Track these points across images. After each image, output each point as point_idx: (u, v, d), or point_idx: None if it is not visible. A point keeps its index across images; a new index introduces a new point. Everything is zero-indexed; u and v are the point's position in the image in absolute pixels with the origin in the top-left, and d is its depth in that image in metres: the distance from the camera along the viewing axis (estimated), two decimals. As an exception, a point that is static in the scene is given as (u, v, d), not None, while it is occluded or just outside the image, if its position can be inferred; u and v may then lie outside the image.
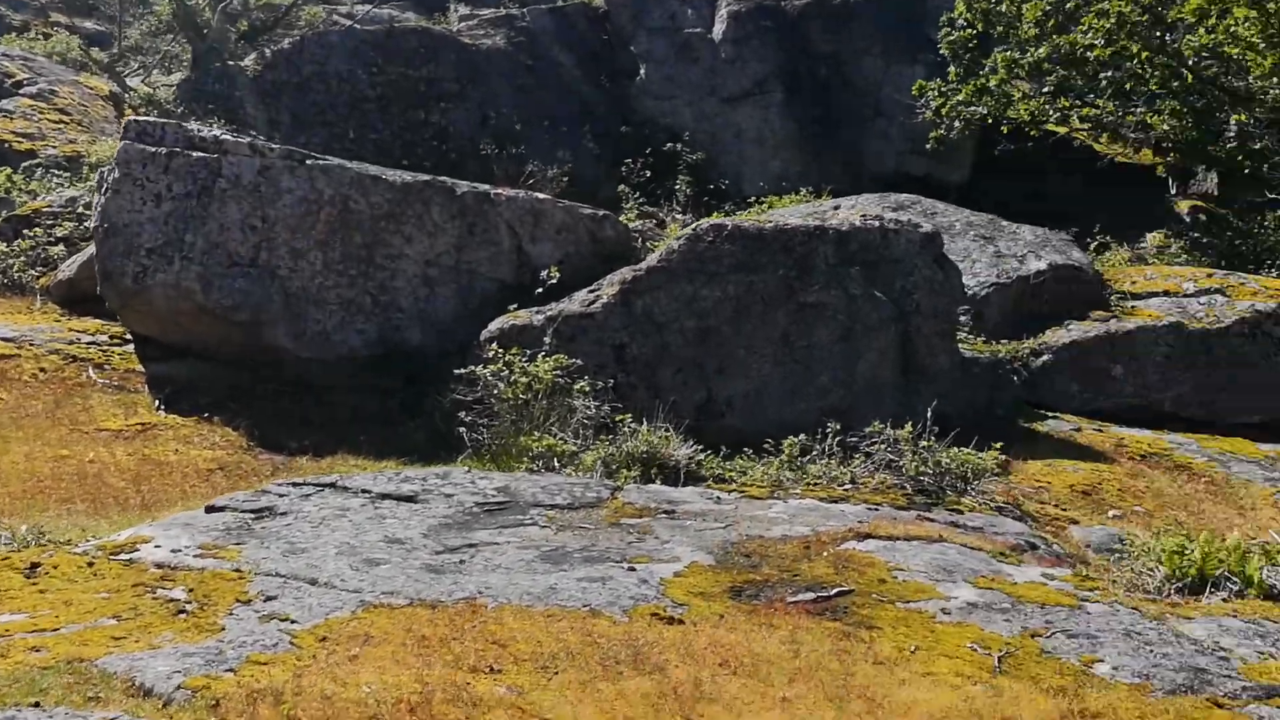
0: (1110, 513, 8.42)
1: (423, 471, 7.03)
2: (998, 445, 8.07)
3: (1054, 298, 11.99)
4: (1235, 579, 5.71)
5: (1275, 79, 14.75)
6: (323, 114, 18.89)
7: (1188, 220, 19.30)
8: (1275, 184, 15.62)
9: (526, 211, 10.65)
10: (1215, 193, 20.24)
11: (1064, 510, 8.28)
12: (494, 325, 9.55)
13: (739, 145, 20.44)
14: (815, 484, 7.60)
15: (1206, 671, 4.59)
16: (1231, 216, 18.20)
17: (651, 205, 18.51)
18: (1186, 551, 5.92)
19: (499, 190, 10.79)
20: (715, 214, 16.70)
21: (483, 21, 20.71)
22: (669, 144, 19.84)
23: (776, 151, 20.32)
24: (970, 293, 11.84)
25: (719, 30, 20.56)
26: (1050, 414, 10.86)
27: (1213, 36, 14.09)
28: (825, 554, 5.90)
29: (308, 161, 10.06)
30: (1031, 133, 18.48)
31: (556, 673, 4.17)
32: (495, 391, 8.78)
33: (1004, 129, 18.44)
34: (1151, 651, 4.78)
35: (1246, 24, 12.50)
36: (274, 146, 10.30)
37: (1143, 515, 8.40)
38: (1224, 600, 5.57)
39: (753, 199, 17.99)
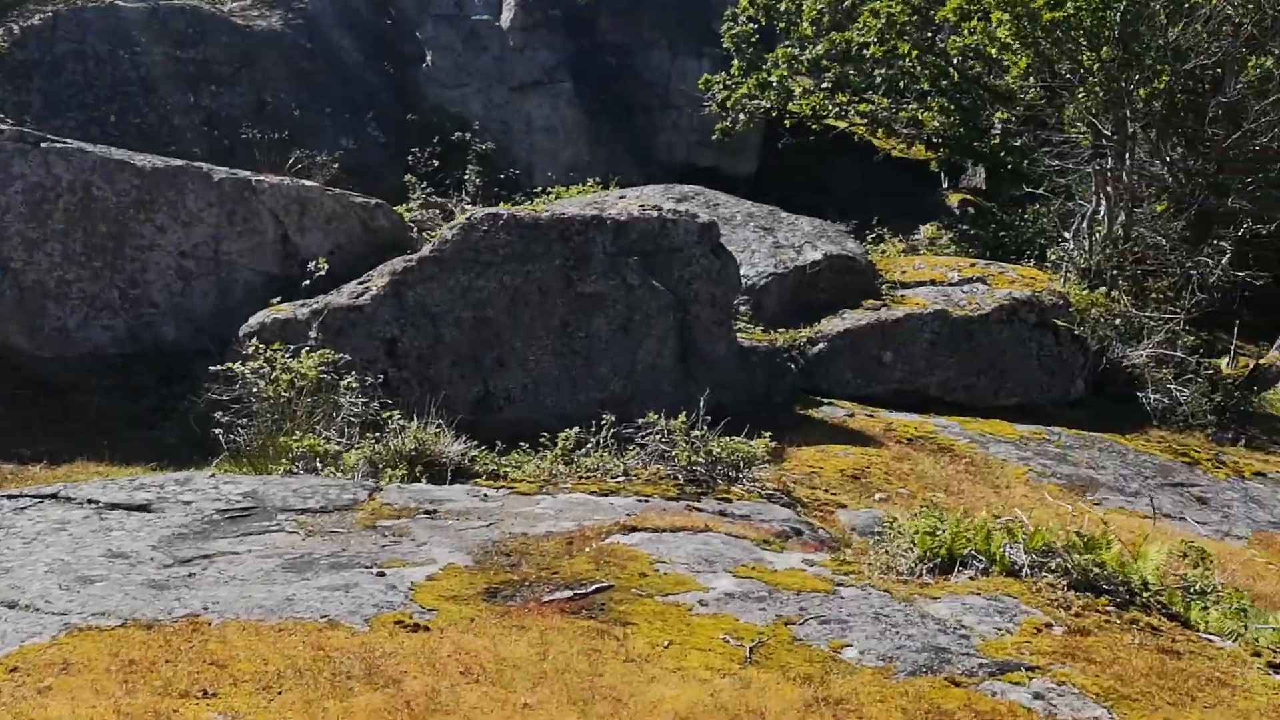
0: (877, 495, 8.65)
1: (160, 478, 6.52)
2: (766, 434, 8.13)
3: (830, 287, 12.31)
4: (981, 557, 5.88)
5: (1031, 79, 15.58)
6: (80, 96, 17.61)
7: (957, 213, 20.29)
8: (1033, 179, 16.54)
9: (292, 200, 10.14)
10: (983, 187, 21.39)
11: (833, 495, 8.44)
12: (254, 320, 9.03)
13: (530, 135, 20.27)
14: (588, 477, 7.47)
15: (947, 650, 4.68)
16: (996, 209, 19.23)
17: (440, 195, 18.08)
18: (938, 532, 6.06)
19: (262, 177, 10.22)
20: (504, 204, 16.43)
21: (257, 2, 19.73)
22: (458, 133, 19.48)
23: (568, 141, 20.25)
24: (750, 282, 12.03)
25: (507, 18, 20.29)
26: (826, 400, 11.13)
27: (974, 38, 14.77)
28: (589, 549, 5.77)
29: (42, 144, 9.26)
30: (813, 127, 19.02)
31: (280, 693, 3.86)
32: (255, 390, 8.28)
33: (787, 123, 18.92)
34: (897, 633, 4.84)
35: (1001, 26, 13.13)
36: (3, 127, 9.42)
37: (906, 497, 8.65)
38: (970, 579, 5.73)
39: (543, 189, 17.83)
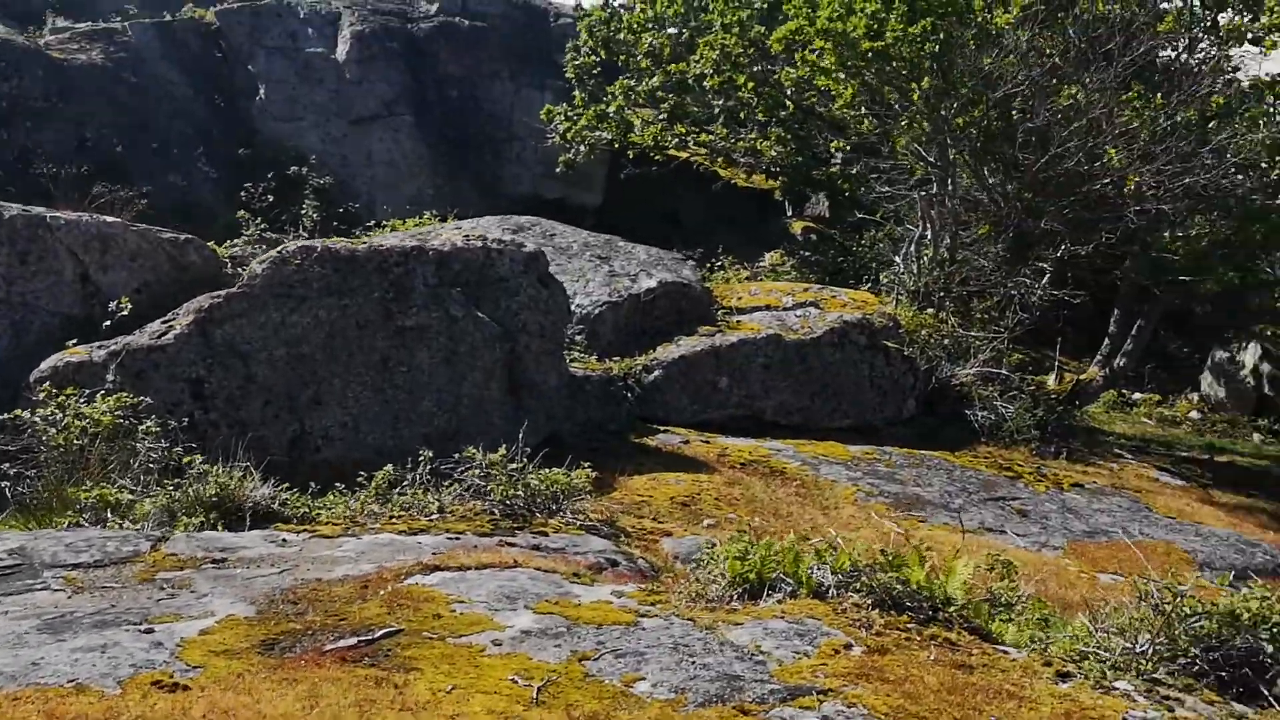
0: (705, 522, 8.58)
1: (-86, 538, 6.00)
2: (587, 465, 7.96)
3: (665, 314, 12.31)
4: (790, 580, 5.83)
5: (862, 108, 15.94)
6: (-120, 132, 16.59)
7: (801, 240, 20.68)
8: (868, 206, 16.92)
9: (92, 237, 9.58)
10: (826, 214, 21.83)
11: (661, 523, 8.33)
12: (46, 364, 8.48)
13: (370, 169, 19.89)
14: (400, 516, 7.19)
15: (741, 678, 4.58)
16: (837, 235, 19.64)
17: (277, 231, 17.54)
18: (748, 557, 6.00)
19: (58, 214, 9.65)
20: (335, 238, 15.99)
21: (77, 35, 18.93)
22: (294, 167, 19.00)
23: (410, 175, 19.93)
24: (585, 311, 11.94)
25: (343, 51, 19.90)
26: (662, 428, 11.08)
27: (804, 69, 15.04)
28: (384, 592, 5.50)
29: None
30: (656, 157, 19.14)
31: (-1, 769, 3.51)
32: (45, 438, 7.74)
33: (630, 154, 18.99)
34: (693, 663, 4.72)
35: (825, 55, 13.40)
36: None
37: (735, 522, 8.60)
38: (778, 602, 5.66)
39: (378, 223, 17.48)
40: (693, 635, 5.08)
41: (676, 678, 4.58)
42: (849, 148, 18.09)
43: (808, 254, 19.43)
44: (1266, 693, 4.78)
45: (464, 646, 4.85)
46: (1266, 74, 13.14)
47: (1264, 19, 12.38)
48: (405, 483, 7.74)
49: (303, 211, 18.22)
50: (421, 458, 7.83)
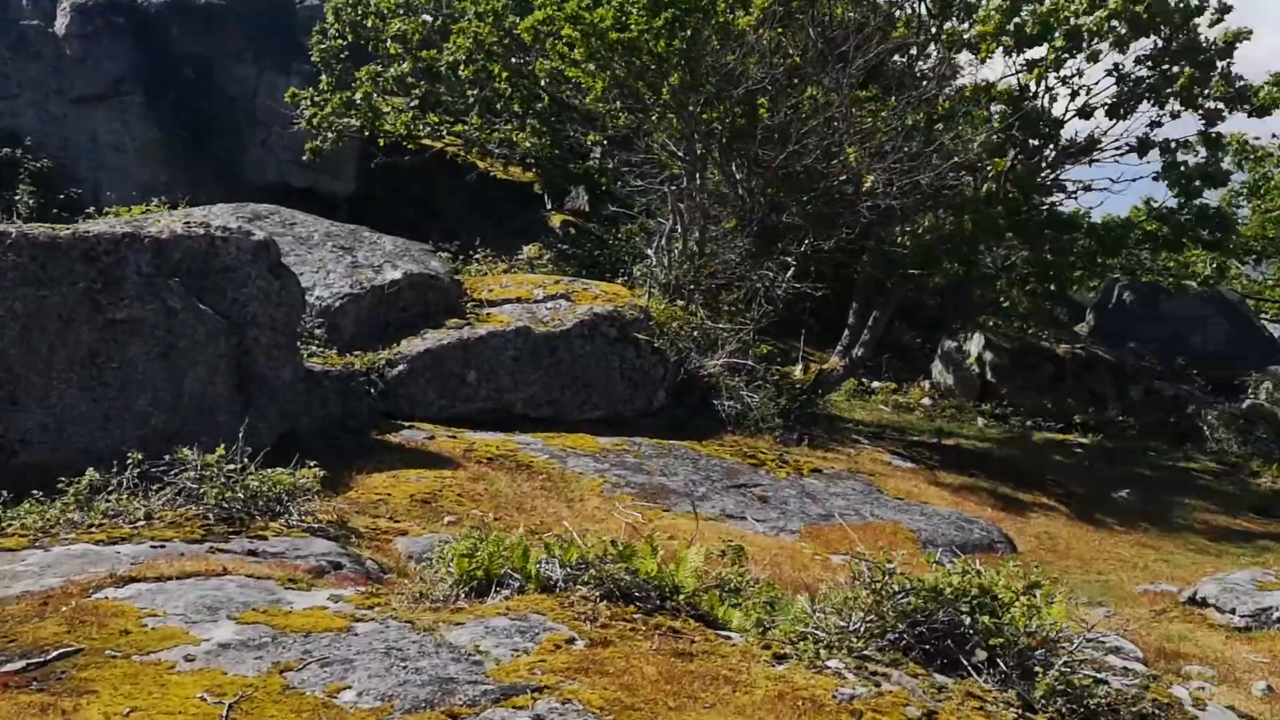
0: (446, 519, 8.32)
1: None
2: (313, 463, 7.53)
3: (412, 306, 11.95)
4: (518, 575, 5.68)
5: (617, 102, 16.00)
6: None
7: (560, 233, 20.64)
8: (623, 199, 17.04)
9: None
10: (586, 208, 21.89)
11: (397, 522, 8.02)
12: None
13: (96, 152, 18.47)
14: (101, 524, 6.59)
15: (454, 681, 4.38)
16: (595, 229, 19.71)
17: (-14, 219, 15.96)
18: (476, 554, 5.80)
19: None
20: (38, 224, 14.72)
21: None
22: (6, 149, 17.39)
23: (141, 160, 18.63)
24: (325, 304, 11.43)
25: (62, 24, 18.36)
26: (407, 424, 10.73)
27: (557, 59, 14.96)
28: (66, 608, 4.98)
29: None
30: (409, 146, 18.62)
31: None
32: None
33: (381, 142, 18.39)
34: (405, 668, 4.49)
35: (576, 46, 13.34)
36: None
37: (478, 518, 8.38)
38: (505, 599, 5.50)
39: (100, 210, 16.22)
40: (408, 639, 4.84)
41: (385, 685, 4.34)
42: (605, 141, 18.16)
43: (566, 247, 19.41)
44: (966, 662, 4.99)
45: (151, 664, 4.43)
46: (984, 80, 14.05)
47: (978, 27, 13.21)
48: (111, 488, 7.12)
49: (17, 197, 16.72)
50: (130, 460, 7.22)
